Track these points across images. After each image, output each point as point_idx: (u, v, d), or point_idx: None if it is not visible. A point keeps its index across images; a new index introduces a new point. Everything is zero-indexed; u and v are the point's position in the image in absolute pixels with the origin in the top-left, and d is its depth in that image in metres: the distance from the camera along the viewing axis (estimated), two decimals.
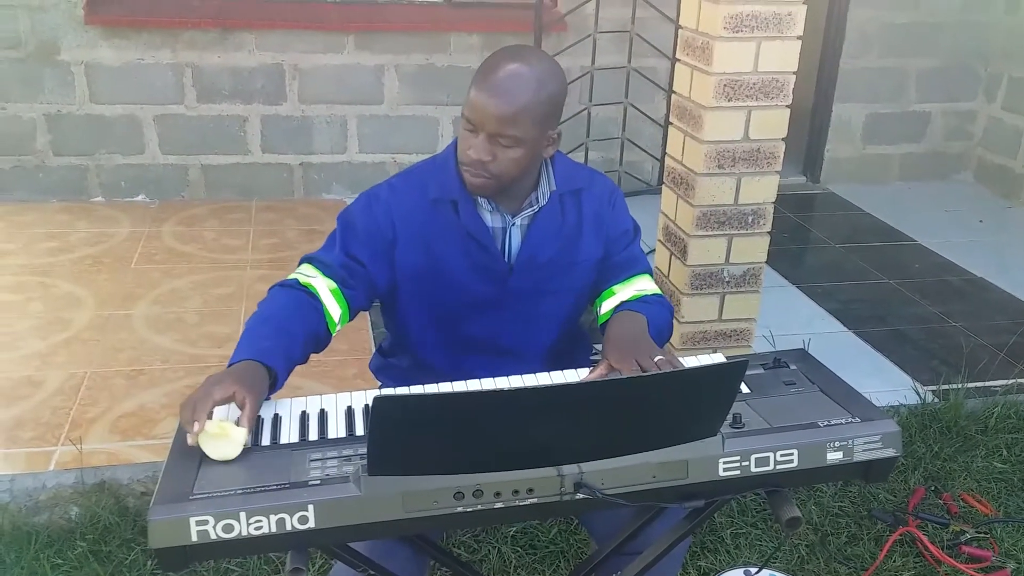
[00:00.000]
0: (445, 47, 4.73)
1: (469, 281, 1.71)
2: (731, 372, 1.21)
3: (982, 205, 5.20)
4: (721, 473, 1.31)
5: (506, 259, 1.71)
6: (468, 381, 1.53)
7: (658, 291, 1.79)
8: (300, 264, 1.73)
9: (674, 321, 1.79)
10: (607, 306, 1.76)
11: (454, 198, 1.67)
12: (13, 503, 2.39)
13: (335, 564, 1.57)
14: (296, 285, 1.65)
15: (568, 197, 1.73)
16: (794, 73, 2.64)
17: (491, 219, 1.70)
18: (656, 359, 1.48)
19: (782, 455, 1.32)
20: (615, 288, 1.77)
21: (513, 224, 1.70)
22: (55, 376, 3.01)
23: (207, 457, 1.27)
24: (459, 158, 1.63)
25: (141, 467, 2.52)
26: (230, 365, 1.45)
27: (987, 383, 3.19)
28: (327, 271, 1.67)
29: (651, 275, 1.82)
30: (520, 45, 1.67)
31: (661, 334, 1.70)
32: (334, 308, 1.65)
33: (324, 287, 1.65)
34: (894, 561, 2.36)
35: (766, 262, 2.88)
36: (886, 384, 3.16)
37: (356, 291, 1.69)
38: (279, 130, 4.72)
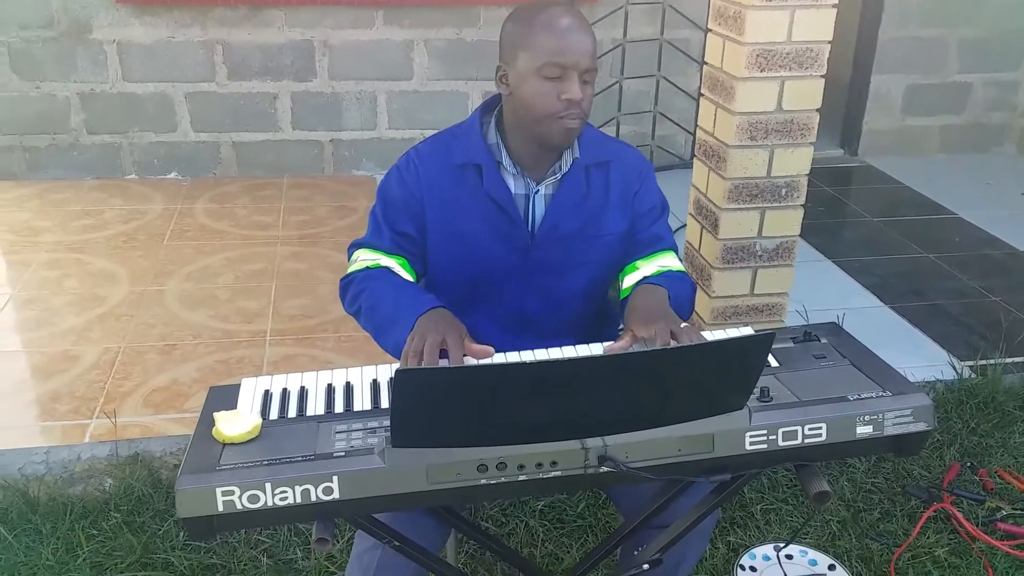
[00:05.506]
0: (475, 21, 4.69)
1: (492, 249, 1.70)
2: (758, 344, 1.19)
3: None
4: (748, 447, 1.29)
5: (529, 228, 1.70)
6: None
7: (682, 269, 1.77)
8: (352, 252, 1.74)
9: (699, 297, 1.76)
10: (629, 280, 1.74)
11: (479, 162, 1.67)
12: (49, 475, 2.44)
13: (357, 532, 1.58)
14: (370, 269, 1.68)
15: (595, 169, 1.71)
16: (829, 42, 2.58)
17: (515, 185, 1.69)
18: (682, 326, 1.46)
19: (810, 429, 1.30)
20: (639, 263, 1.75)
21: (537, 191, 1.69)
22: (90, 351, 3.05)
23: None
24: (549, 110, 1.56)
25: (173, 440, 2.55)
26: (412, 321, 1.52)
27: None
28: (387, 251, 1.70)
29: (676, 253, 1.80)
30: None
31: (681, 310, 1.67)
32: (409, 279, 1.70)
33: (394, 264, 1.69)
34: (928, 538, 2.33)
35: (801, 236, 2.83)
36: (923, 359, 3.11)
37: (416, 264, 1.72)
38: (309, 107, 4.73)
